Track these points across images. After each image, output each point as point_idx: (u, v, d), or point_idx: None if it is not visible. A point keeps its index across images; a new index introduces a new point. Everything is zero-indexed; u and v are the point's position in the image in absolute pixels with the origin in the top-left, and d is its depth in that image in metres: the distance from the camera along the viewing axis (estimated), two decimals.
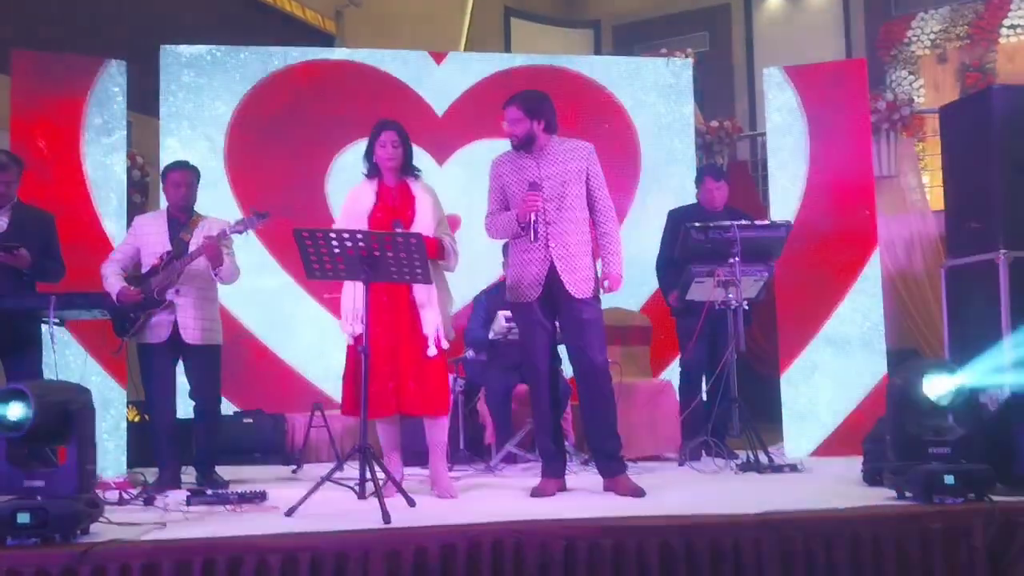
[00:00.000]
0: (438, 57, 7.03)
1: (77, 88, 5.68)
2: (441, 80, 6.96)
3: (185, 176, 4.91)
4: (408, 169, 4.42)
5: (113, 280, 4.73)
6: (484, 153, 6.74)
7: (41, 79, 5.65)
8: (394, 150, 4.34)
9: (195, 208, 4.96)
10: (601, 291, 4.31)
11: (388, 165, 4.35)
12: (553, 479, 4.30)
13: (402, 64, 6.94)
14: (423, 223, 4.28)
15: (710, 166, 6.62)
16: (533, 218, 4.18)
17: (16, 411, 3.21)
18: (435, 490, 4.28)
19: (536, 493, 4.19)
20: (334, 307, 6.24)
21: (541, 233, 4.20)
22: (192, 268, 4.74)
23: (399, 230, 4.10)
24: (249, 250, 5.71)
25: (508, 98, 4.35)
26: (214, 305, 4.92)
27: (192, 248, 4.72)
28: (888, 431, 3.90)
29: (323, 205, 6.60)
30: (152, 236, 4.86)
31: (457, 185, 6.52)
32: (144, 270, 4.83)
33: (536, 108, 4.29)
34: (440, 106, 6.93)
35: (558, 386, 4.48)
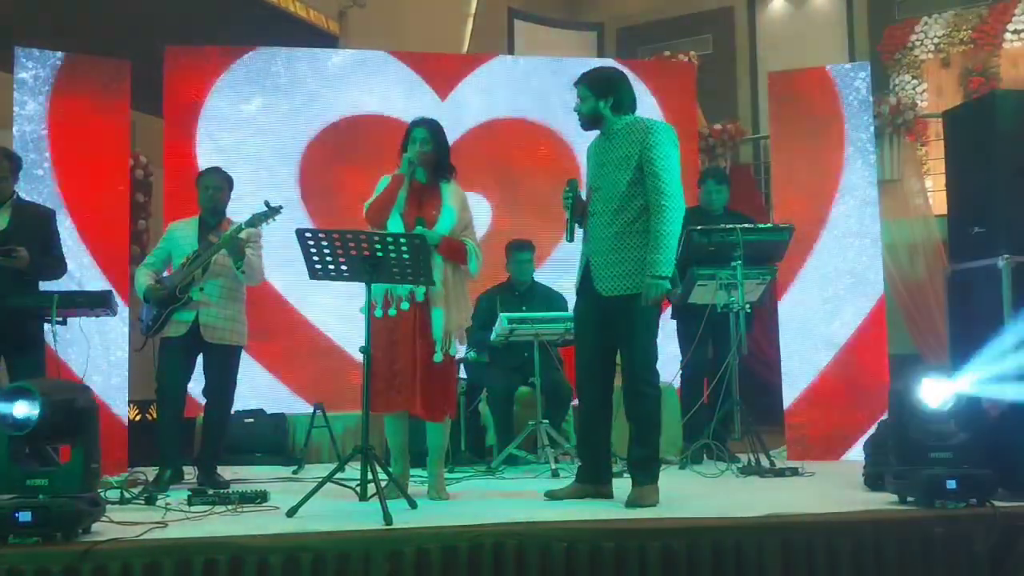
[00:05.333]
0: (442, 92, 6.96)
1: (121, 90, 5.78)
2: (444, 120, 6.91)
3: (215, 181, 4.97)
4: (441, 169, 4.37)
5: (141, 279, 4.85)
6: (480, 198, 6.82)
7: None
8: (426, 148, 4.29)
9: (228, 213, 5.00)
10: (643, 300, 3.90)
11: (418, 162, 4.31)
12: (580, 484, 4.12)
13: (405, 104, 6.81)
14: (447, 226, 4.25)
15: (713, 168, 6.63)
16: (567, 215, 4.07)
17: (22, 409, 3.21)
18: (430, 492, 4.26)
19: (550, 494, 4.09)
20: None
21: (578, 229, 4.08)
22: (218, 267, 4.77)
23: (420, 228, 4.09)
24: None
25: (580, 75, 4.14)
26: (239, 305, 4.93)
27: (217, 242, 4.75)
28: (890, 436, 3.89)
29: None
30: (183, 239, 4.92)
31: None
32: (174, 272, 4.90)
33: (604, 86, 4.04)
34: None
35: (607, 389, 4.18)
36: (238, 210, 5.11)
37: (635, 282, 3.91)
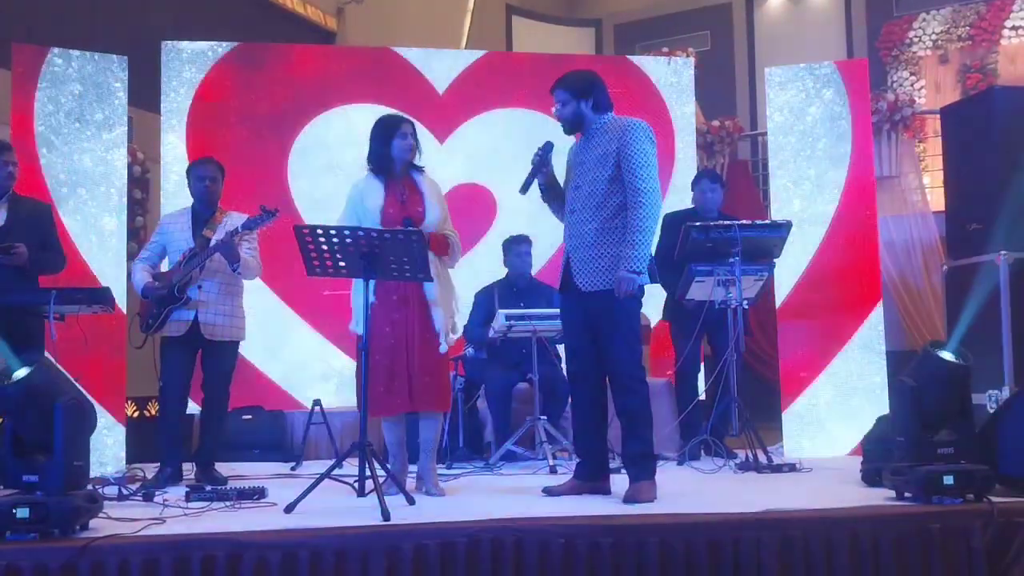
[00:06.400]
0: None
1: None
2: (443, 60, 7.02)
3: (208, 171, 4.96)
4: (414, 163, 4.40)
5: (139, 276, 4.83)
6: (483, 129, 6.86)
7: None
8: (414, 142, 4.32)
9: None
10: (616, 293, 3.93)
11: (406, 158, 4.31)
12: (577, 480, 4.16)
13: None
14: (433, 220, 4.27)
15: (708, 169, 6.63)
16: (531, 170, 4.11)
17: (21, 371, 3.31)
18: (423, 488, 4.27)
19: (548, 490, 4.13)
20: (326, 306, 6.24)
21: (556, 211, 4.19)
22: (214, 263, 4.77)
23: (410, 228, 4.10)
24: None
25: (555, 81, 4.16)
26: (237, 300, 4.94)
27: (212, 244, 4.75)
28: (899, 432, 3.87)
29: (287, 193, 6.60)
30: (177, 233, 4.91)
31: (457, 162, 6.68)
32: (171, 267, 4.88)
33: (582, 87, 4.08)
34: (441, 84, 6.95)
35: (599, 385, 4.19)
36: (236, 209, 5.10)
37: (614, 278, 3.94)
